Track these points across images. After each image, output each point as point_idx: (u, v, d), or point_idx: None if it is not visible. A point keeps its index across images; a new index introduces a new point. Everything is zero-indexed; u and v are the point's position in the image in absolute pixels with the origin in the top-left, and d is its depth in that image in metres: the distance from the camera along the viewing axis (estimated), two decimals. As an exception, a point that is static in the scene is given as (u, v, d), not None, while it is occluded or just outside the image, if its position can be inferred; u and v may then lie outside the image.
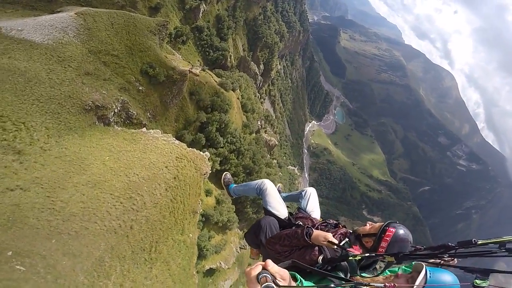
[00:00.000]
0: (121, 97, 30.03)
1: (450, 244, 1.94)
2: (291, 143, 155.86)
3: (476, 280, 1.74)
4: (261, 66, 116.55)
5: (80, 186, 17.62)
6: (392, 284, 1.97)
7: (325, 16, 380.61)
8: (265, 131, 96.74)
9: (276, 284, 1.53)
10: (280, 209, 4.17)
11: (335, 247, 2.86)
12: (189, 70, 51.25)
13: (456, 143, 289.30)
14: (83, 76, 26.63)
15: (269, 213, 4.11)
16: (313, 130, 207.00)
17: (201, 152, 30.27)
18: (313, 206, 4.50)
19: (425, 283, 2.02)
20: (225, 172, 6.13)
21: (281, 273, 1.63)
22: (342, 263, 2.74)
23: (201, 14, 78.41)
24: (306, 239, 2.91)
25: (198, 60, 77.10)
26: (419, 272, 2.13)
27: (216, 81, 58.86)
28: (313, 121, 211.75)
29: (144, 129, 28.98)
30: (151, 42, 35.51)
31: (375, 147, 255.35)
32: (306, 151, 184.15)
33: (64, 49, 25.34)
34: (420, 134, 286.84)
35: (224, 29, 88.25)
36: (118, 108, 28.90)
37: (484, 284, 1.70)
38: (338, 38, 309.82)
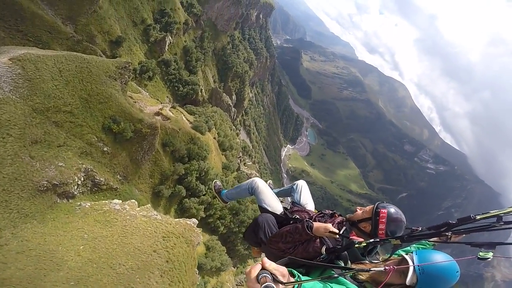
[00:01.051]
0: (83, 165, 25.48)
1: (451, 221, 1.99)
2: (270, 170, 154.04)
3: (480, 253, 1.83)
4: (234, 97, 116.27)
5: (60, 285, 15.36)
6: (391, 267, 2.06)
7: (287, 39, 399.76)
8: (244, 164, 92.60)
9: (277, 281, 1.57)
10: (275, 205, 4.12)
11: (337, 236, 2.87)
12: (158, 111, 46.48)
13: (420, 148, 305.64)
14: (29, 147, 21.22)
15: (264, 210, 4.05)
16: (289, 154, 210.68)
17: (188, 221, 25.67)
18: (306, 198, 4.49)
19: (418, 262, 2.12)
20: (215, 180, 5.96)
21: (281, 270, 1.65)
22: (342, 252, 2.68)
23: (167, 47, 74.26)
24: (308, 232, 2.87)
25: (167, 97, 72.59)
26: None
27: (189, 120, 54.48)
28: (288, 145, 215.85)
29: (116, 203, 23.78)
30: (112, 90, 29.56)
31: (349, 162, 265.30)
32: (285, 175, 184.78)
33: None
34: (387, 144, 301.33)
35: (193, 62, 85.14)
36: (82, 179, 24.92)
37: (487, 256, 1.79)
38: (301, 60, 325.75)
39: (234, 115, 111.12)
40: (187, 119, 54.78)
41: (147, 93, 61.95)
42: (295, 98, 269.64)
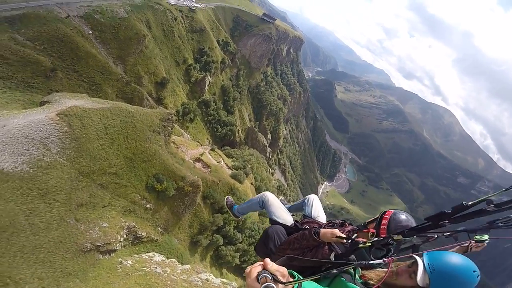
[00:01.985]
0: (126, 223, 25.96)
1: (446, 210, 2.00)
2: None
3: (476, 236, 1.98)
4: (269, 136, 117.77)
5: None
6: (390, 258, 2.10)
7: (318, 71, 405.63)
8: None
9: (277, 281, 1.60)
10: (285, 216, 4.23)
11: (344, 241, 2.90)
12: (199, 157, 48.51)
13: (477, 180, 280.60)
14: (75, 211, 21.35)
15: (275, 222, 4.17)
16: (327, 192, 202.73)
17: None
18: (317, 211, 4.54)
19: (428, 261, 2.10)
20: (227, 196, 6.26)
21: (281, 271, 1.68)
22: (350, 256, 2.70)
23: (207, 87, 79.33)
24: (315, 237, 2.91)
25: (207, 138, 76.83)
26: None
27: (228, 165, 55.93)
28: (325, 182, 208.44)
29: (157, 263, 22.70)
30: (156, 146, 30.53)
31: (394, 198, 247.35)
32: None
33: (46, 176, 19.89)
34: (437, 178, 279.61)
35: (230, 101, 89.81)
36: (124, 236, 25.47)
37: (484, 238, 1.94)
38: (335, 92, 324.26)
39: (269, 155, 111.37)
40: (225, 163, 56.23)
41: (188, 136, 66.04)
42: (331, 133, 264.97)
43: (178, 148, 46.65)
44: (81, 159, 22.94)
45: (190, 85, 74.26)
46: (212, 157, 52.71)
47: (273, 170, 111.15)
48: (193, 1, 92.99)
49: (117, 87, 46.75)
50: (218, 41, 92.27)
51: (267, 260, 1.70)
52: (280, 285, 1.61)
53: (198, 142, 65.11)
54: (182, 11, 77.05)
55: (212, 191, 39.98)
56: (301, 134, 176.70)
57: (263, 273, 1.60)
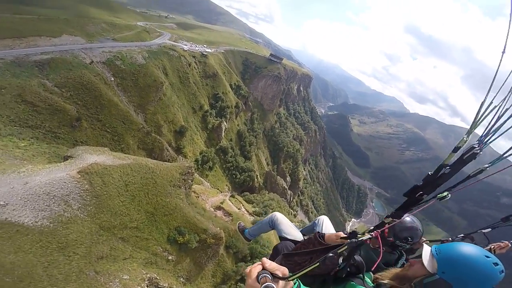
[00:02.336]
0: (148, 274, 26.07)
1: (418, 184, 2.09)
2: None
3: (439, 195, 2.03)
4: (288, 178, 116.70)
5: None
6: (376, 232, 2.18)
7: (330, 106, 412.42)
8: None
9: (277, 278, 1.67)
10: (295, 233, 4.41)
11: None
12: (220, 205, 49.06)
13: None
14: (95, 263, 21.38)
15: (284, 239, 4.31)
16: (356, 228, 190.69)
17: None
18: (328, 230, 4.67)
19: (434, 251, 2.13)
20: (239, 221, 6.55)
21: (281, 270, 1.73)
22: (357, 259, 2.63)
23: (223, 133, 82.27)
24: (320, 240, 2.99)
25: (227, 185, 77.82)
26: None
27: (249, 211, 56.32)
28: (353, 219, 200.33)
29: None
30: (176, 200, 31.25)
31: (431, 228, 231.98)
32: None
33: (67, 230, 20.45)
34: (477, 202, 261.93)
35: (247, 146, 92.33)
36: (146, 287, 25.31)
37: (444, 194, 2.01)
38: (350, 126, 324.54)
39: (290, 198, 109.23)
40: (246, 209, 56.20)
41: (208, 184, 67.15)
42: (352, 169, 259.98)
43: (198, 197, 47.63)
44: (101, 214, 23.41)
45: (208, 132, 77.33)
46: (232, 203, 53.27)
47: (295, 212, 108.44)
48: (204, 46, 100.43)
49: (138, 137, 48.92)
50: (230, 85, 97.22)
51: (265, 259, 1.77)
52: (280, 284, 1.65)
53: (218, 189, 66.34)
54: (195, 57, 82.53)
55: (235, 240, 39.54)
56: (321, 174, 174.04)
57: (263, 273, 1.64)
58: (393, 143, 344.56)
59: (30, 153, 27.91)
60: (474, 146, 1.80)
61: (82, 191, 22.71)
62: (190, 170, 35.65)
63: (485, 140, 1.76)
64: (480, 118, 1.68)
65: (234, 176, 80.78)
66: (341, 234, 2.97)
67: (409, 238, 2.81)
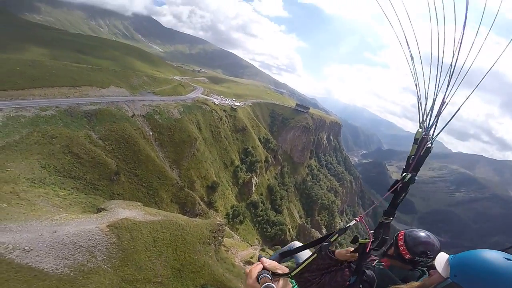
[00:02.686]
0: None
1: (397, 179, 2.15)
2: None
3: (404, 174, 2.09)
4: (324, 231, 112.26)
5: None
6: (359, 216, 2.20)
7: (364, 154, 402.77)
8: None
9: (277, 275, 1.71)
10: None
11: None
12: (249, 260, 47.82)
13: None
14: None
15: None
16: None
17: None
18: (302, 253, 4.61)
19: (450, 256, 2.10)
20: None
21: (282, 268, 1.79)
22: (369, 273, 2.55)
23: (254, 188, 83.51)
24: (330, 255, 2.99)
25: (257, 239, 77.05)
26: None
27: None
28: None
29: None
30: (205, 257, 31.11)
31: None
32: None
33: (87, 280, 20.38)
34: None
35: (277, 200, 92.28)
36: None
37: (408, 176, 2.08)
38: (388, 174, 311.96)
39: None
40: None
41: (238, 237, 66.74)
42: (396, 217, 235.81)
43: (228, 251, 47.81)
44: (125, 267, 23.46)
45: (238, 187, 79.40)
46: (263, 257, 52.27)
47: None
48: (233, 100, 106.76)
49: (172, 192, 50.57)
50: (259, 139, 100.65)
51: (264, 259, 1.82)
52: (280, 284, 1.69)
53: (248, 243, 66.43)
54: (226, 110, 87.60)
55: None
56: (360, 225, 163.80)
57: (263, 273, 1.68)
58: (439, 187, 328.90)
59: (67, 202, 29.28)
60: (424, 136, 1.99)
61: (109, 244, 23.27)
62: (220, 228, 36.43)
63: (430, 128, 1.96)
64: (424, 111, 1.94)
65: (264, 229, 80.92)
66: (351, 248, 2.95)
67: (428, 252, 2.70)
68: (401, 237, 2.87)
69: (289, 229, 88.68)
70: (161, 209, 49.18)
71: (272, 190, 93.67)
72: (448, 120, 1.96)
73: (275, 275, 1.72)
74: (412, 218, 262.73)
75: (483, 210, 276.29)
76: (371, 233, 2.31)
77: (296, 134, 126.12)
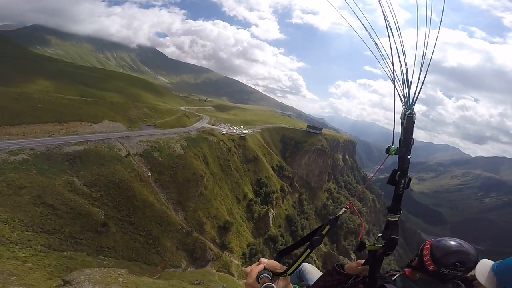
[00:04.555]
0: None
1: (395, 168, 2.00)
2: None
3: (388, 146, 2.00)
4: (352, 256, 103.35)
5: None
6: (349, 203, 2.19)
7: (380, 170, 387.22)
8: None
9: (276, 275, 1.74)
10: None
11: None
12: None
13: None
14: None
15: None
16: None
17: None
18: (312, 274, 4.48)
19: (495, 264, 2.12)
20: None
21: (282, 268, 1.80)
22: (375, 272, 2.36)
23: (271, 222, 75.77)
24: (339, 270, 2.71)
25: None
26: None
27: None
28: None
29: None
30: None
31: None
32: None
33: None
34: None
35: (298, 231, 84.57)
36: None
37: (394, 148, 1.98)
38: (409, 186, 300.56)
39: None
40: None
41: None
42: (425, 229, 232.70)
43: None
44: None
45: (254, 221, 72.09)
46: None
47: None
48: (241, 127, 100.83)
49: (177, 238, 43.79)
50: (272, 167, 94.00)
51: (263, 258, 1.82)
52: (280, 284, 1.73)
53: None
54: (234, 140, 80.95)
55: None
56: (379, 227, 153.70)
57: (263, 273, 1.67)
58: (466, 194, 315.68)
59: (28, 266, 22.85)
60: (404, 111, 1.87)
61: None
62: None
63: (411, 103, 1.86)
64: (403, 88, 1.85)
65: (287, 265, 73.80)
66: (362, 261, 2.59)
67: (458, 264, 2.23)
68: (427, 246, 2.41)
69: (315, 260, 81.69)
70: (165, 259, 41.73)
71: (291, 221, 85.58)
72: (423, 77, 1.80)
73: (275, 275, 1.71)
74: (442, 229, 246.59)
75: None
76: (362, 221, 2.32)
77: (312, 158, 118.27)
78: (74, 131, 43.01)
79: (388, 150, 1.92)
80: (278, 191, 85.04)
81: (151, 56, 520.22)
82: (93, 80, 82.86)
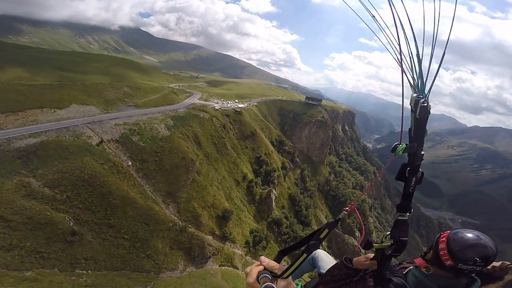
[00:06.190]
0: None
1: (405, 162, 1.88)
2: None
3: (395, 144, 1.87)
4: (357, 234, 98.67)
5: None
6: (351, 205, 2.12)
7: (377, 139, 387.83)
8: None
9: (276, 276, 1.72)
10: None
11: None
12: None
13: None
14: None
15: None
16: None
17: None
18: (325, 261, 4.35)
19: None
20: None
21: (281, 268, 1.79)
22: (396, 281, 2.25)
23: (274, 203, 68.99)
24: (347, 264, 2.57)
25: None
26: None
27: None
28: None
29: None
30: None
31: None
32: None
33: None
34: None
35: (303, 211, 78.70)
36: None
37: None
38: (406, 157, 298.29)
39: (361, 254, 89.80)
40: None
41: None
42: (424, 202, 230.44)
43: None
44: None
45: (256, 204, 65.53)
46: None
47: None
48: (236, 102, 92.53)
49: (169, 237, 37.34)
50: (272, 142, 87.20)
51: (262, 258, 1.82)
52: (280, 284, 1.70)
53: None
54: (229, 115, 73.08)
55: None
56: (390, 216, 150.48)
57: (263, 273, 1.68)
58: (462, 165, 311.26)
59: None
60: (417, 99, 1.64)
61: None
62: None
63: (423, 87, 1.66)
64: (412, 72, 1.59)
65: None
66: (371, 255, 2.44)
67: (477, 259, 2.12)
68: (443, 239, 2.27)
69: (322, 243, 76.73)
70: (156, 264, 35.49)
71: (295, 200, 79.36)
72: (438, 68, 1.61)
73: (274, 275, 1.70)
74: (440, 202, 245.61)
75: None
76: (363, 224, 2.15)
77: (313, 131, 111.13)
78: (33, 121, 35.00)
79: (394, 150, 1.65)
80: (280, 169, 78.44)
81: (136, 36, 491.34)
82: (71, 64, 72.91)
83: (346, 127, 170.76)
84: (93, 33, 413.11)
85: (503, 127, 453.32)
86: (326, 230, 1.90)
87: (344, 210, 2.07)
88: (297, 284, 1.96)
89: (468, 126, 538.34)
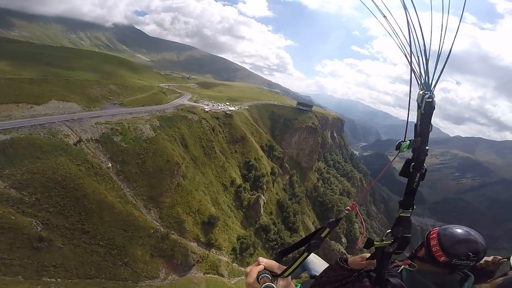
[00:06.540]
0: None
1: (409, 158, 1.88)
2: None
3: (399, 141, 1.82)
4: (343, 240, 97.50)
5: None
6: (352, 204, 2.07)
7: (364, 146, 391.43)
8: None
9: (275, 276, 1.71)
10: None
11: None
12: None
13: None
14: None
15: (315, 277, 3.96)
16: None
17: None
18: (315, 264, 4.33)
19: None
20: None
21: (281, 268, 1.79)
22: (394, 282, 2.23)
23: (262, 210, 67.29)
24: (342, 265, 2.59)
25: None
26: None
27: None
28: None
29: None
30: None
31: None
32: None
33: None
34: None
35: (290, 217, 77.25)
36: None
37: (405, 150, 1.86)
38: (391, 164, 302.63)
39: None
40: None
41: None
42: None
43: None
44: None
45: (243, 210, 63.60)
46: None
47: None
48: (227, 104, 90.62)
49: (150, 245, 35.07)
50: (262, 147, 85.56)
51: (261, 258, 1.80)
52: (280, 284, 1.70)
53: None
54: (219, 118, 70.99)
55: None
56: (375, 222, 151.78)
57: (263, 274, 1.66)
58: (444, 174, 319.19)
59: None
60: (423, 95, 1.69)
61: None
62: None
63: (429, 84, 1.69)
64: (419, 69, 1.63)
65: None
66: (367, 255, 2.46)
67: (470, 254, 2.15)
68: (433, 235, 2.33)
69: (309, 250, 75.70)
70: (135, 272, 33.01)
71: (283, 206, 77.83)
72: (444, 62, 1.64)
73: (273, 275, 1.69)
74: (422, 209, 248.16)
75: (494, 196, 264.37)
76: (364, 224, 2.14)
77: (302, 137, 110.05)
78: (5, 116, 32.16)
79: (399, 147, 1.67)
80: (269, 174, 76.78)
81: (129, 34, 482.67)
82: (59, 60, 69.69)
83: (335, 134, 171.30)
84: (85, 29, 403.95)
85: (484, 137, 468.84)
86: (328, 229, 1.86)
87: (346, 209, 1.99)
88: (296, 285, 1.90)
89: (451, 136, 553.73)
